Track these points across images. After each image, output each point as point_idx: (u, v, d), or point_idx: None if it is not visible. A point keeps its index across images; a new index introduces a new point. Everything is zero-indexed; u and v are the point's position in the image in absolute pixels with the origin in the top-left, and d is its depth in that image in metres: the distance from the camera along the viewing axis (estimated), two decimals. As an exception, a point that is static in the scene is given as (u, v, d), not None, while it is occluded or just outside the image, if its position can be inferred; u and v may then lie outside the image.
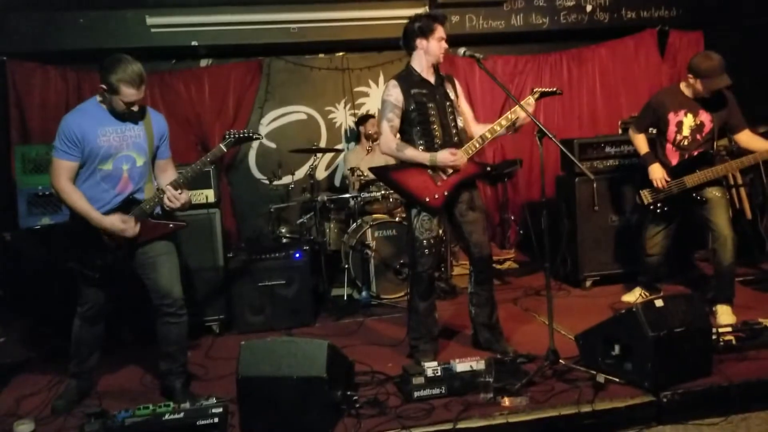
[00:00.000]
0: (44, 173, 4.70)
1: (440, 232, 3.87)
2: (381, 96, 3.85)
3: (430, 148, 3.72)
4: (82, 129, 3.23)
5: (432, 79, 3.82)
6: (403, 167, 3.79)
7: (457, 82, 3.99)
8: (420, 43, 3.75)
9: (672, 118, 4.34)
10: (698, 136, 4.29)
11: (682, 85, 4.34)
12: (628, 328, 3.23)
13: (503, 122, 3.71)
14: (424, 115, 3.74)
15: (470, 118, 4.00)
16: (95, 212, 3.26)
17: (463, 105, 3.98)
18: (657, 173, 4.37)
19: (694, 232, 4.72)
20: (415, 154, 3.71)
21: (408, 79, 3.79)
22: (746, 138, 4.27)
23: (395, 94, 3.74)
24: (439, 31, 3.72)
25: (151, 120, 3.45)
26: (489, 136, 3.72)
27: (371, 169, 3.98)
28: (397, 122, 3.76)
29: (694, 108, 4.28)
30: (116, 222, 3.28)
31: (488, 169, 3.97)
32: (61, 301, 3.91)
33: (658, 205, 4.42)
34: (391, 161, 4.01)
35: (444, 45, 3.75)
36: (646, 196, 4.47)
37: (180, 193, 3.34)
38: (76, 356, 3.55)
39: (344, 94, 6.83)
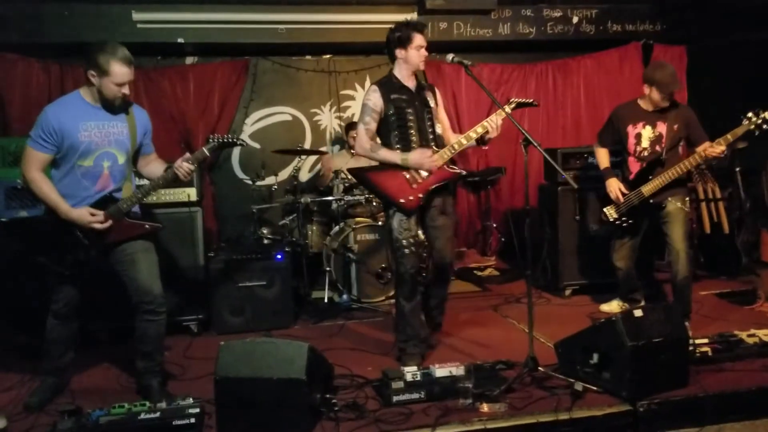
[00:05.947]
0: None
1: (420, 232, 3.89)
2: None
3: (406, 152, 3.77)
4: (61, 123, 3.18)
5: (412, 86, 3.87)
6: (380, 169, 3.84)
7: (437, 91, 4.04)
8: (399, 52, 3.80)
9: (631, 130, 4.46)
10: (657, 147, 4.38)
11: (639, 100, 4.46)
12: (607, 338, 3.25)
13: (479, 129, 3.76)
14: (403, 119, 3.79)
15: (447, 126, 4.09)
16: (64, 204, 3.22)
17: (442, 114, 4.05)
18: (612, 186, 4.49)
19: (658, 242, 4.76)
20: (388, 154, 3.77)
21: (389, 84, 3.84)
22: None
23: (374, 99, 3.79)
24: (418, 40, 3.75)
25: (134, 116, 3.41)
26: (465, 142, 3.78)
27: (350, 170, 4.01)
28: (373, 126, 3.82)
29: (651, 120, 4.39)
30: (84, 214, 3.23)
31: (463, 173, 4.00)
32: (35, 296, 3.85)
33: (623, 218, 4.48)
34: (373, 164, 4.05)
35: (423, 53, 3.78)
36: (610, 212, 4.54)
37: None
38: (50, 354, 3.49)
39: (330, 96, 6.82)
